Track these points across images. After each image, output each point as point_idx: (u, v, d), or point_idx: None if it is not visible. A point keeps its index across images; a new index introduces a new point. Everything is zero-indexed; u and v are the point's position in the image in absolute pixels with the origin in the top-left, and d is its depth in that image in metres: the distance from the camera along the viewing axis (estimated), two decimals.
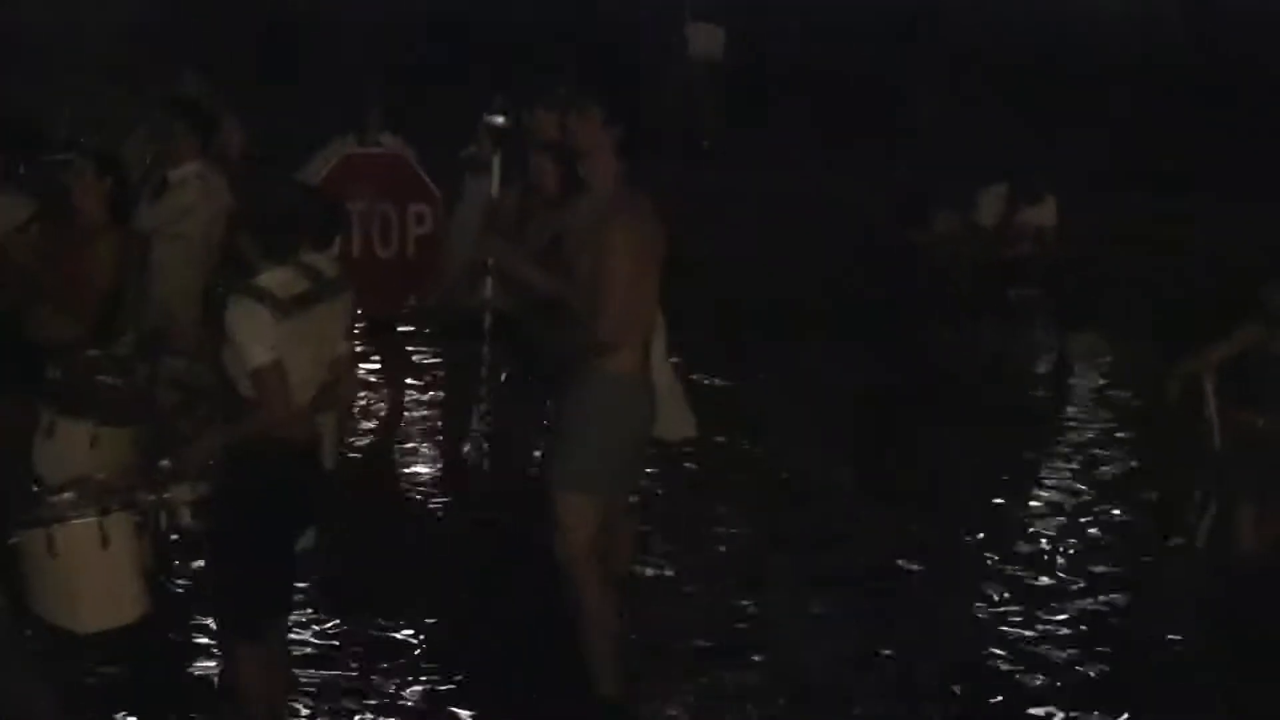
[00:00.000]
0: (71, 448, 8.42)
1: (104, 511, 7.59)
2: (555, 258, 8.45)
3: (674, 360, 9.37)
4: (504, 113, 10.04)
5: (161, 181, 10.22)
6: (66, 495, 7.78)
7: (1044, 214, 15.67)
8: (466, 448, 11.02)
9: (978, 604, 10.02)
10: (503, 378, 10.49)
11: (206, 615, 8.76)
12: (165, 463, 7.91)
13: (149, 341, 9.28)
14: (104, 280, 9.39)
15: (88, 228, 9.41)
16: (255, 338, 7.46)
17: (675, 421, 9.14)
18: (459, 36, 23.04)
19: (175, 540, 8.38)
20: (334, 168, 11.22)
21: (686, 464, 11.67)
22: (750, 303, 16.26)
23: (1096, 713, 8.74)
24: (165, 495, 7.73)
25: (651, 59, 21.72)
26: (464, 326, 10.38)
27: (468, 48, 22.23)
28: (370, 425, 12.09)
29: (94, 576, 7.57)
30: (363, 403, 12.14)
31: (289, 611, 8.32)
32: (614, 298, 7.97)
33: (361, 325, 10.61)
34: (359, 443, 11.75)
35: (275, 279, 7.57)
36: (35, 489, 8.38)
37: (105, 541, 7.54)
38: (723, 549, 10.69)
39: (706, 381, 13.39)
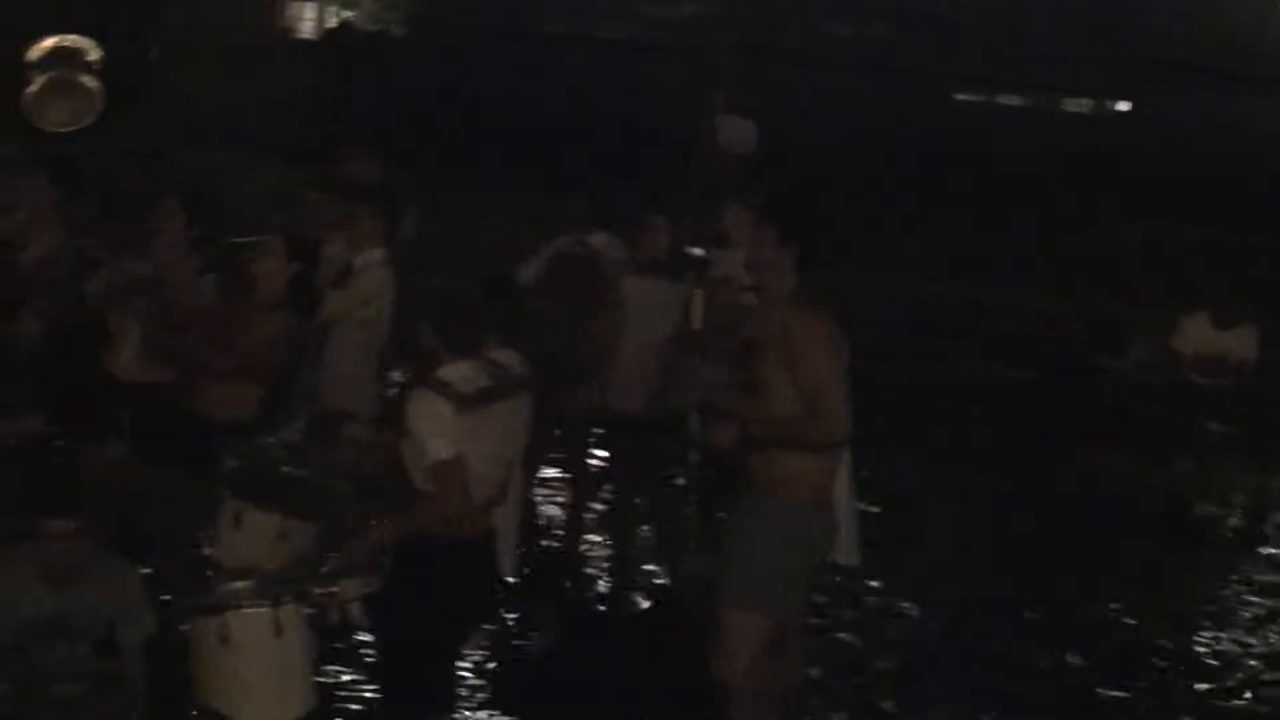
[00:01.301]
0: (258, 539, 8.31)
1: (277, 602, 7.49)
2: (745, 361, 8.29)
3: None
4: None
5: (345, 267, 10.11)
6: (240, 584, 7.68)
7: (1245, 343, 15.27)
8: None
9: None
10: (680, 484, 10.38)
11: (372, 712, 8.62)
12: (336, 556, 7.81)
13: (322, 429, 9.18)
14: (278, 361, 9.32)
15: (266, 308, 9.35)
16: (435, 431, 7.37)
17: (845, 545, 8.90)
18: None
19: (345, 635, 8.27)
20: (546, 264, 11.13)
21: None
22: (910, 420, 15.88)
23: None
24: (335, 589, 7.62)
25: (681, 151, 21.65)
26: (645, 429, 10.27)
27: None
28: (550, 525, 11.93)
29: (265, 667, 7.49)
30: (544, 502, 11.95)
31: (451, 712, 8.23)
32: (830, 394, 7.75)
33: (547, 424, 10.45)
34: (538, 542, 11.59)
35: (458, 372, 7.46)
36: (208, 575, 8.29)
37: (278, 632, 7.46)
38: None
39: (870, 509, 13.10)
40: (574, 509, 11.66)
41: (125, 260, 9.82)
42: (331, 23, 24.92)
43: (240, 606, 7.49)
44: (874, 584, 11.28)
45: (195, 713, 7.62)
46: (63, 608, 7.31)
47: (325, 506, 8.35)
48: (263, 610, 7.48)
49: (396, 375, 10.44)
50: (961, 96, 25.65)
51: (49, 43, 14.03)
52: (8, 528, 8.20)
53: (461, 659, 8.19)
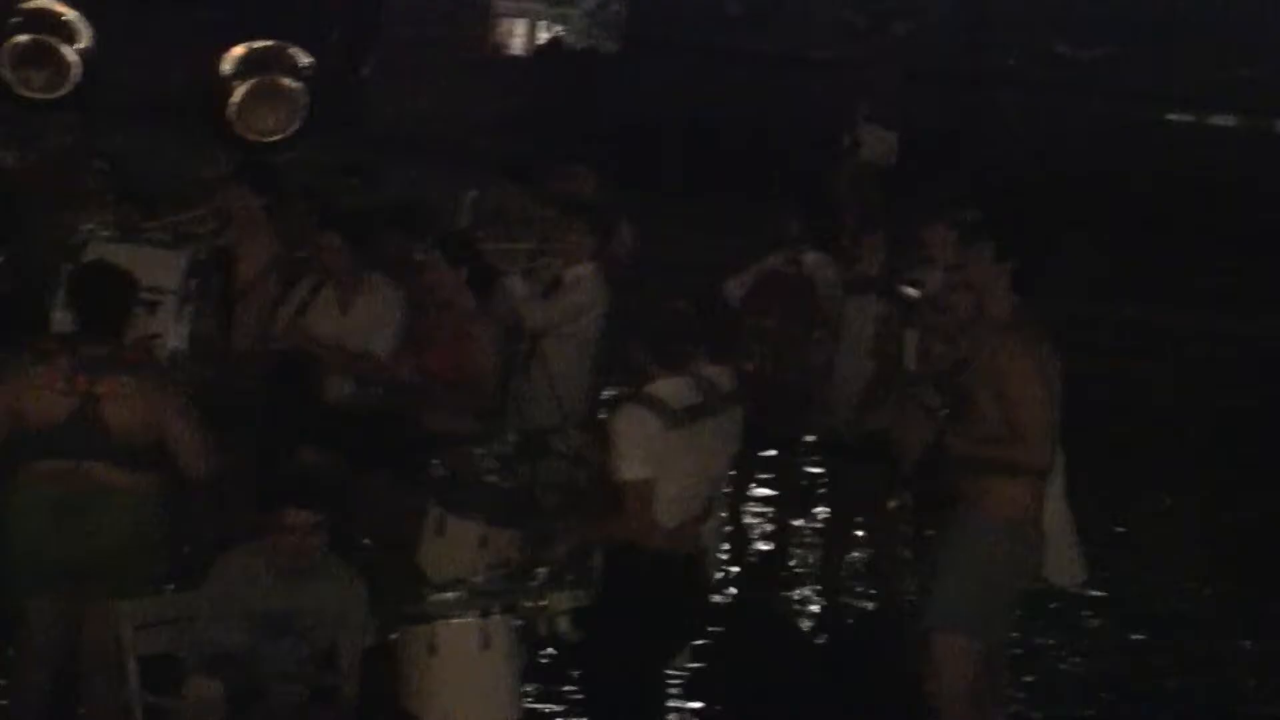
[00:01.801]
0: (460, 546, 8.37)
1: (486, 613, 7.50)
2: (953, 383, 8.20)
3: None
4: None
5: (555, 280, 10.15)
6: (450, 594, 7.72)
7: None
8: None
9: None
10: (891, 505, 10.29)
11: None
12: (544, 568, 7.82)
13: (532, 441, 9.21)
14: (485, 368, 9.35)
15: (459, 317, 9.37)
16: (636, 448, 7.37)
17: (1066, 564, 8.77)
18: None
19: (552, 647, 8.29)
20: (755, 282, 11.09)
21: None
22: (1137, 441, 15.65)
23: None
24: (543, 602, 7.62)
25: (822, 162, 21.40)
26: (854, 450, 10.21)
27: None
28: (757, 543, 11.89)
29: (472, 678, 7.48)
30: (752, 521, 11.93)
31: None
32: (1036, 420, 7.67)
33: (757, 444, 10.41)
34: (747, 560, 11.54)
35: (668, 388, 7.46)
36: (418, 585, 8.33)
37: (486, 643, 7.45)
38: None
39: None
40: (783, 528, 11.62)
41: (317, 295, 9.89)
42: (542, 39, 25.05)
43: (449, 617, 7.49)
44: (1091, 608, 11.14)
45: None
46: (292, 604, 7.39)
47: (525, 515, 8.40)
48: (471, 621, 7.47)
49: (608, 389, 10.49)
50: (1174, 116, 25.27)
51: (240, 50, 14.18)
52: (244, 520, 8.36)
53: (668, 674, 8.13)
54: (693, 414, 7.53)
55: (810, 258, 11.04)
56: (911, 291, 9.59)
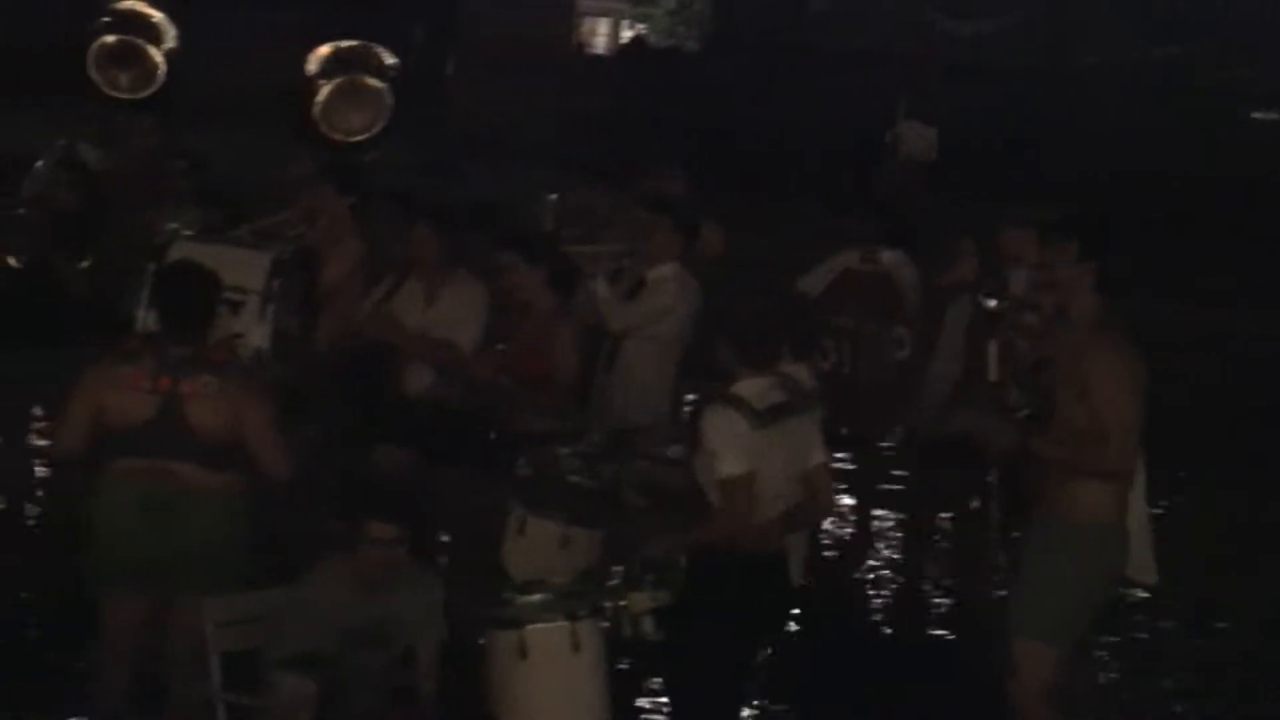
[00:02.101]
0: (542, 547, 8.34)
1: (574, 616, 7.49)
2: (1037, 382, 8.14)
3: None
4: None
5: (638, 281, 10.13)
6: (537, 597, 7.71)
7: None
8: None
9: None
10: (973, 506, 10.23)
11: None
12: (625, 569, 7.82)
13: (617, 442, 9.19)
14: (567, 369, 9.35)
15: (540, 318, 9.38)
16: (729, 446, 7.36)
17: (1142, 564, 8.70)
18: None
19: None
20: (833, 280, 11.04)
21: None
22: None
23: None
24: (623, 602, 7.61)
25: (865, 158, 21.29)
26: (937, 453, 10.17)
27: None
28: (838, 544, 11.85)
29: (562, 682, 7.48)
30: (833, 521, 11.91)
31: None
32: (1115, 422, 7.59)
33: (837, 444, 10.38)
34: (826, 561, 11.51)
35: (753, 388, 7.44)
36: (500, 584, 8.33)
37: (577, 646, 7.45)
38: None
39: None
40: (865, 528, 11.58)
41: (402, 288, 9.89)
42: (625, 38, 25.08)
43: (538, 620, 7.50)
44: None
45: None
46: (374, 614, 7.38)
47: (606, 516, 8.39)
48: (561, 625, 7.47)
49: (693, 389, 10.46)
50: (1258, 115, 25.11)
51: (327, 49, 14.21)
52: (329, 533, 8.38)
53: (750, 674, 8.11)
54: (777, 413, 7.53)
55: (887, 256, 11.00)
56: (991, 302, 9.53)
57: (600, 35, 25.56)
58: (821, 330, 10.26)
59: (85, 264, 9.94)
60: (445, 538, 9.79)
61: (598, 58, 25.09)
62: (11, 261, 9.71)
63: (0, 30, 21.61)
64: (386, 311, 9.73)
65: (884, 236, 11.07)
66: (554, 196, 11.97)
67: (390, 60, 14.38)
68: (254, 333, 8.65)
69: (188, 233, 9.13)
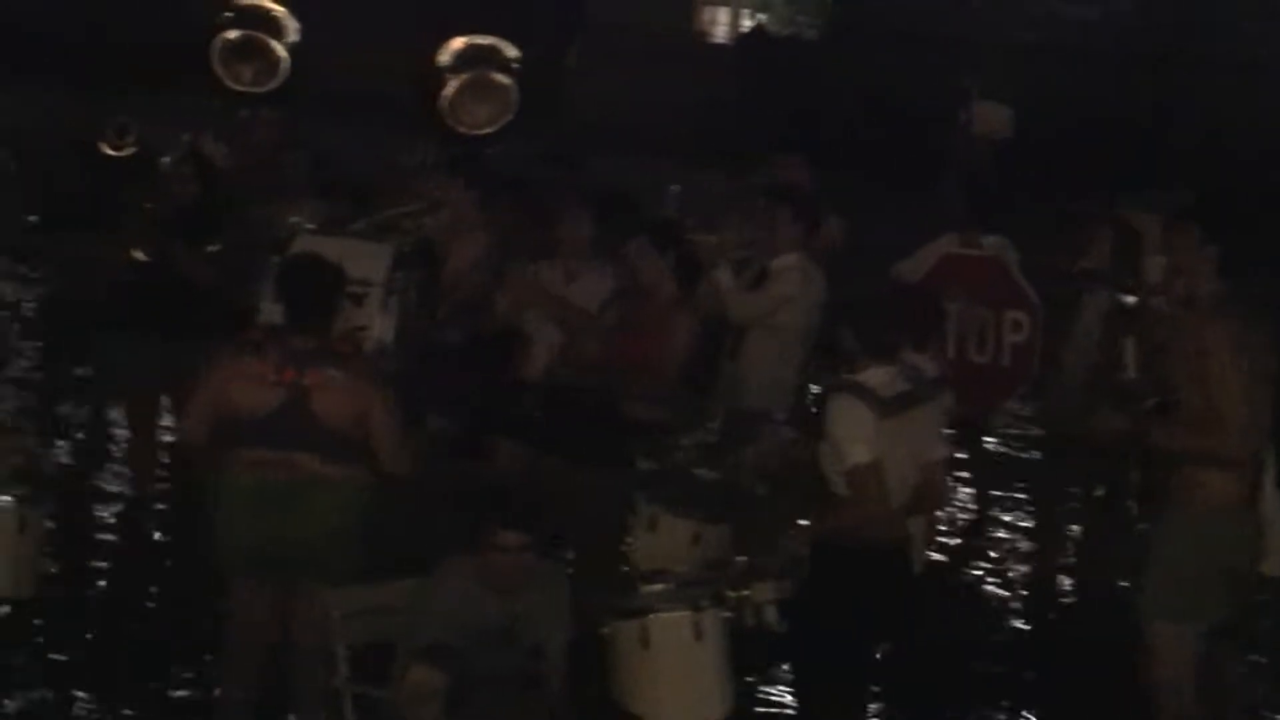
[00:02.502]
0: (673, 543, 8.36)
1: (697, 606, 7.47)
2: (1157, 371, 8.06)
3: None
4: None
5: (761, 271, 10.08)
6: (659, 586, 7.69)
7: None
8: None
9: None
10: (1098, 494, 10.14)
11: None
12: (747, 559, 7.82)
13: (739, 431, 9.16)
14: (676, 356, 9.33)
15: (661, 306, 9.35)
16: (854, 435, 7.35)
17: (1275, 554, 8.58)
18: None
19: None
20: (933, 266, 10.98)
21: None
22: None
23: None
24: (745, 591, 7.60)
25: (940, 138, 21.06)
26: (1062, 437, 10.09)
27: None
28: (957, 531, 11.77)
29: (684, 671, 7.49)
30: (952, 508, 11.82)
31: (865, 716, 8.21)
32: (1232, 408, 7.52)
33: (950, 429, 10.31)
34: (946, 548, 11.44)
35: (877, 377, 7.43)
36: (626, 577, 8.34)
37: (699, 635, 7.44)
38: None
39: None
40: (985, 515, 11.51)
41: (539, 266, 9.91)
42: (745, 27, 25.00)
43: (660, 610, 7.49)
44: None
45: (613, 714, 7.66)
46: (502, 615, 7.37)
47: (738, 510, 8.36)
48: (683, 614, 7.46)
49: (817, 379, 10.40)
50: None
51: (459, 43, 14.24)
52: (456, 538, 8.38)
53: (873, 663, 8.07)
54: (903, 403, 7.50)
55: (989, 239, 10.93)
56: (1129, 298, 9.43)
57: (720, 24, 25.47)
58: (943, 319, 10.18)
59: (208, 257, 9.98)
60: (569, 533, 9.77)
61: (718, 47, 25.01)
62: (138, 255, 9.78)
63: (126, 26, 21.85)
64: (531, 277, 9.73)
65: (977, 219, 10.99)
66: (676, 187, 11.96)
67: (516, 55, 14.42)
68: (376, 325, 8.69)
69: (310, 226, 9.16)
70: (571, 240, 9.86)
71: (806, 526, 7.69)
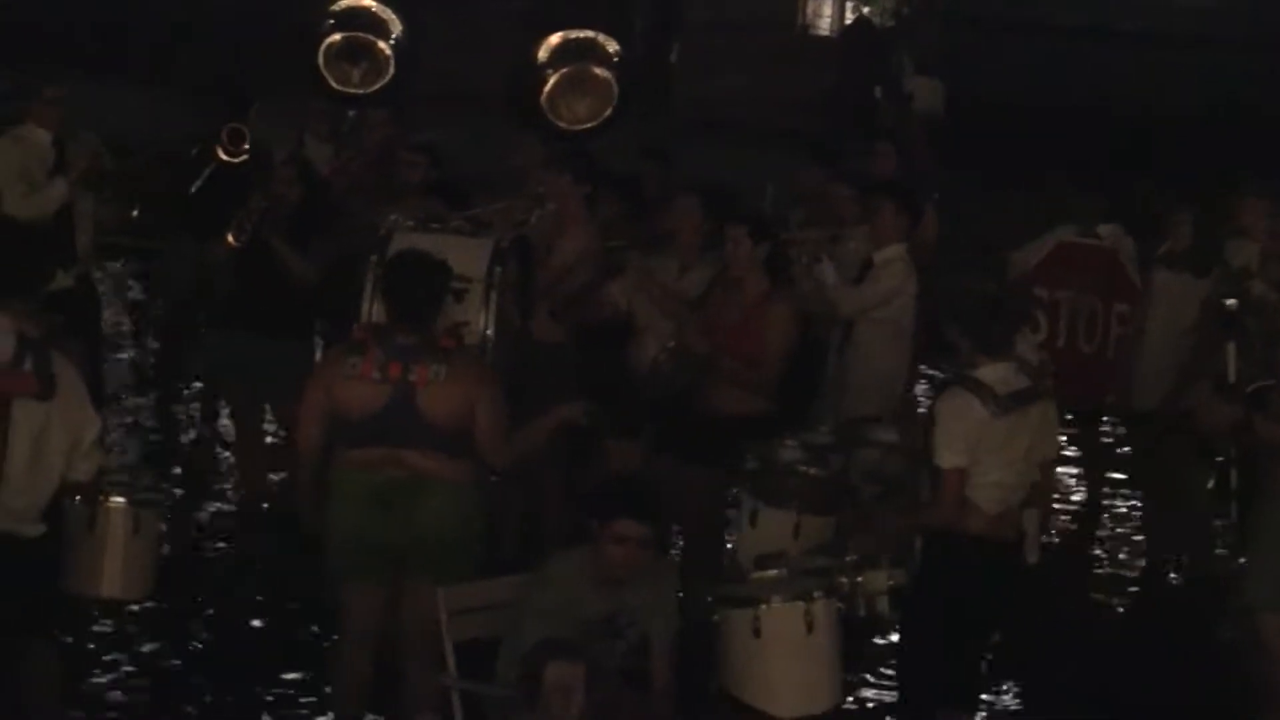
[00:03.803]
0: (773, 536, 8.33)
1: (809, 596, 7.46)
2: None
3: None
4: None
5: (866, 263, 10.03)
6: (772, 573, 7.67)
7: None
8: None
9: None
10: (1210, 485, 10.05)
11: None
12: (860, 550, 7.77)
13: (846, 430, 9.12)
14: (776, 351, 9.28)
15: (751, 297, 9.32)
16: (955, 435, 7.34)
17: None
18: None
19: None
20: (1047, 255, 10.90)
21: None
22: None
23: None
24: (859, 579, 7.61)
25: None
26: (1165, 425, 10.07)
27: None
28: (1070, 521, 11.69)
29: (795, 660, 7.47)
30: (1063, 497, 11.75)
31: (974, 708, 8.17)
32: None
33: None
34: (1058, 539, 11.38)
35: (995, 373, 7.40)
36: (736, 569, 8.32)
37: (810, 626, 7.42)
38: None
39: None
40: (1095, 506, 11.43)
41: (649, 259, 9.91)
42: (849, 19, 24.91)
43: (772, 600, 7.47)
44: None
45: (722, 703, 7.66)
46: (612, 608, 7.37)
47: (839, 503, 8.34)
48: (795, 604, 7.45)
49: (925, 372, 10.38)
50: None
51: (557, 38, 14.25)
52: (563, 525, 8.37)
53: (981, 654, 8.03)
54: (1020, 399, 7.46)
55: (1106, 229, 10.85)
56: (1230, 302, 9.36)
57: (824, 16, 25.37)
58: (1029, 307, 10.13)
59: (311, 257, 10.04)
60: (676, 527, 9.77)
61: (822, 39, 24.91)
62: (232, 240, 9.88)
63: (238, 28, 21.98)
64: (643, 267, 9.74)
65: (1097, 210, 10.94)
66: (773, 184, 11.95)
67: (617, 49, 14.41)
68: (479, 320, 8.68)
69: (408, 223, 9.19)
70: (680, 229, 9.83)
71: (911, 523, 7.70)
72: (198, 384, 12.56)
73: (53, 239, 9.96)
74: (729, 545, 9.11)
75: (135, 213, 11.02)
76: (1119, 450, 11.89)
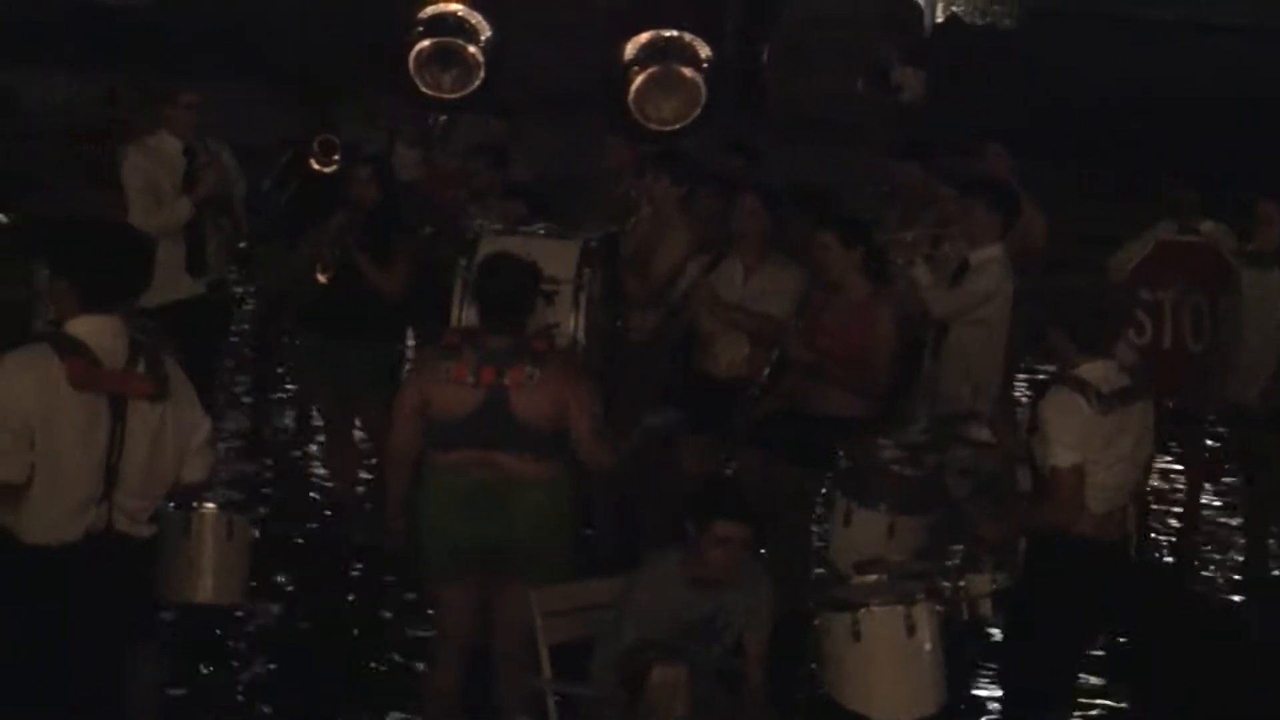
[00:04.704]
0: (868, 537, 8.27)
1: (910, 600, 7.39)
2: None
3: None
4: None
5: (961, 265, 9.92)
6: (872, 578, 7.62)
7: None
8: None
9: None
10: None
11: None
12: (964, 551, 7.75)
13: (942, 429, 9.03)
14: (882, 354, 9.21)
15: (853, 300, 9.26)
16: (1065, 435, 7.24)
17: None
18: None
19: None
20: (1148, 254, 10.76)
21: None
22: None
23: None
24: (961, 584, 7.54)
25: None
26: (1265, 422, 9.99)
27: None
28: (1170, 521, 11.57)
29: (896, 665, 7.41)
30: (1164, 497, 11.65)
31: (1069, 710, 8.10)
32: None
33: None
34: (1159, 539, 11.31)
35: (1097, 372, 7.33)
36: (828, 572, 8.25)
37: (911, 630, 7.35)
38: None
39: None
40: (1195, 505, 11.30)
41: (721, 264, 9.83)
42: (940, 17, 24.81)
43: (873, 603, 7.41)
44: None
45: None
46: (707, 610, 7.31)
47: (932, 503, 8.25)
48: (895, 608, 7.38)
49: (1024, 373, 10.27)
50: None
51: (645, 37, 14.22)
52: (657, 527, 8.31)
53: (1086, 658, 7.95)
54: (1124, 398, 7.36)
55: (1207, 226, 10.72)
56: None
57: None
58: (1133, 307, 10.01)
59: (391, 261, 10.02)
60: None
61: (915, 38, 24.82)
62: (321, 279, 9.89)
63: (332, 32, 22.09)
64: (708, 284, 9.66)
65: (1200, 206, 10.81)
66: (869, 186, 11.86)
67: (706, 52, 14.37)
68: (568, 322, 8.66)
69: (494, 227, 9.16)
70: (745, 230, 9.73)
71: (1017, 524, 7.59)
72: (290, 387, 12.60)
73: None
74: (822, 546, 9.02)
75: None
76: (1219, 448, 11.71)
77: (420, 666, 8.47)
